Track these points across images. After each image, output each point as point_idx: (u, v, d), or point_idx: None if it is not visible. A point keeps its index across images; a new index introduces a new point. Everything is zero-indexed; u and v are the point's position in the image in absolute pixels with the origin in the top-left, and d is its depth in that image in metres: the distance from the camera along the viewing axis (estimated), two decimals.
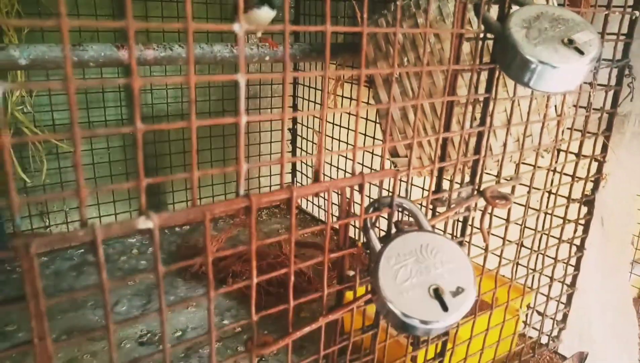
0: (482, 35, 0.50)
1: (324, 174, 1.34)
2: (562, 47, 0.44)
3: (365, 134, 1.12)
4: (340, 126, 1.20)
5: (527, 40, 0.45)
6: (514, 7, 0.50)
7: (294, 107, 1.36)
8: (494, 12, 0.51)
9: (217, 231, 1.22)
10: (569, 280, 0.83)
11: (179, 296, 0.99)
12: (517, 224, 0.70)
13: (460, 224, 0.60)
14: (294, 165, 1.43)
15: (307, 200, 1.41)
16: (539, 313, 0.83)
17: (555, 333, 0.86)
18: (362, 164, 1.18)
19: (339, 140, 1.21)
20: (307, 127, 1.37)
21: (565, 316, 0.85)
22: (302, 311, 0.92)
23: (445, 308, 0.41)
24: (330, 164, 1.28)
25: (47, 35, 1.02)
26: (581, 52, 0.44)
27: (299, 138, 1.40)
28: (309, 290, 1.05)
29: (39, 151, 1.08)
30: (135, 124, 0.31)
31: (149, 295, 1.00)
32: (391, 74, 0.41)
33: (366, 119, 1.11)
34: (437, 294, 0.41)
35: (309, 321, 0.45)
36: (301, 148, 1.40)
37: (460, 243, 0.59)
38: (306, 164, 1.41)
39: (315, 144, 1.35)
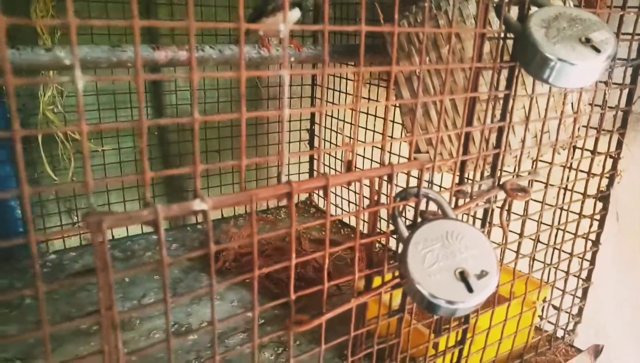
0: (502, 35, 0.53)
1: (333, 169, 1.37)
2: (579, 45, 0.47)
3: (375, 131, 1.15)
4: (357, 126, 1.23)
5: (547, 39, 0.47)
6: (533, 8, 0.53)
7: (312, 114, 1.40)
8: (514, 13, 0.54)
9: (237, 228, 1.25)
10: (584, 275, 0.85)
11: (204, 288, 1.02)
12: (533, 219, 0.73)
13: (480, 218, 0.63)
14: (311, 163, 1.47)
15: (321, 197, 1.44)
16: (554, 307, 0.85)
17: (570, 327, 0.88)
18: (372, 160, 1.21)
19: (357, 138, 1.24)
20: (325, 127, 1.40)
21: (580, 310, 0.88)
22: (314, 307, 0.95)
23: (470, 289, 0.44)
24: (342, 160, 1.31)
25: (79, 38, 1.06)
26: (598, 50, 0.47)
27: (316, 138, 1.44)
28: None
29: (67, 150, 1.12)
30: (194, 114, 0.34)
31: (174, 288, 1.04)
32: (415, 72, 0.44)
33: (379, 117, 1.14)
34: (463, 277, 0.44)
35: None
36: (319, 147, 1.44)
37: None
38: (323, 163, 1.44)
39: (332, 143, 1.39)
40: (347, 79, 1.33)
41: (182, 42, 1.19)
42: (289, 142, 1.42)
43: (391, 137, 1.15)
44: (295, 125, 1.41)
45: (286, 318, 0.47)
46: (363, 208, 0.46)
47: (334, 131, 1.36)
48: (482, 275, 0.44)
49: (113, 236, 1.22)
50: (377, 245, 0.54)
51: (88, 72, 0.96)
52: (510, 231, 0.73)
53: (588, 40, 0.47)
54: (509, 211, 0.64)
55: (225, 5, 1.22)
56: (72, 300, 0.97)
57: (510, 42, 0.54)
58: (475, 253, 0.46)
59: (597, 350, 0.83)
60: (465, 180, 0.60)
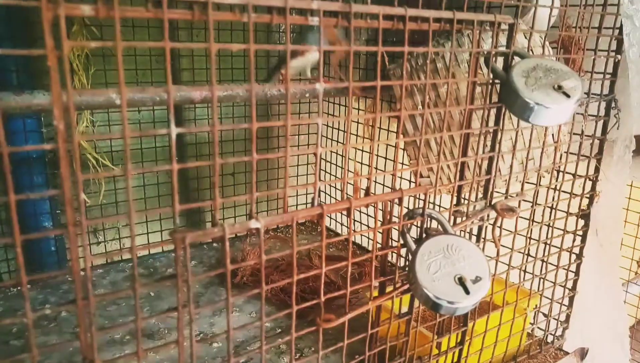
0: (490, 81, 0.64)
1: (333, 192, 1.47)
2: (553, 92, 0.58)
3: (379, 155, 1.26)
4: (362, 151, 1.33)
5: (526, 87, 0.58)
6: (516, 58, 0.64)
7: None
8: (500, 62, 0.65)
9: (252, 246, 1.35)
10: (570, 284, 0.95)
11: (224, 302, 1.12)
12: (522, 235, 0.83)
13: (475, 234, 0.73)
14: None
15: (331, 218, 1.54)
16: (544, 314, 0.95)
17: (559, 332, 0.98)
18: (376, 182, 1.32)
19: (361, 162, 1.35)
20: (332, 151, 1.50)
21: (567, 316, 0.97)
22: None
23: (467, 292, 0.53)
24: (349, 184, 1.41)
25: (109, 73, 1.17)
26: (568, 96, 0.58)
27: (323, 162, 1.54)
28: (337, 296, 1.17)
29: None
30: (252, 126, 0.44)
31: (196, 302, 1.13)
32: (418, 109, 0.54)
33: (386, 143, 1.25)
34: (461, 281, 0.54)
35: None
36: (325, 171, 1.54)
37: None
38: (333, 186, 1.54)
39: (337, 169, 1.49)
40: (358, 109, 1.44)
41: (201, 76, 1.31)
42: (297, 165, 1.52)
43: (401, 163, 1.25)
44: (302, 157, 1.52)
45: (301, 326, 0.57)
46: (379, 225, 0.56)
47: (340, 155, 1.47)
48: (476, 280, 0.54)
49: (137, 255, 1.31)
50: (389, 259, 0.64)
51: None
52: (502, 245, 0.83)
53: (560, 88, 0.58)
54: (500, 227, 0.74)
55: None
56: (104, 313, 1.06)
57: (498, 86, 0.65)
58: (471, 262, 0.56)
59: (582, 353, 0.92)
60: (463, 200, 0.71)
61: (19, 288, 1.14)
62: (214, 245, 1.41)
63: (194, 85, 1.29)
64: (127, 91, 0.40)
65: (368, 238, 1.37)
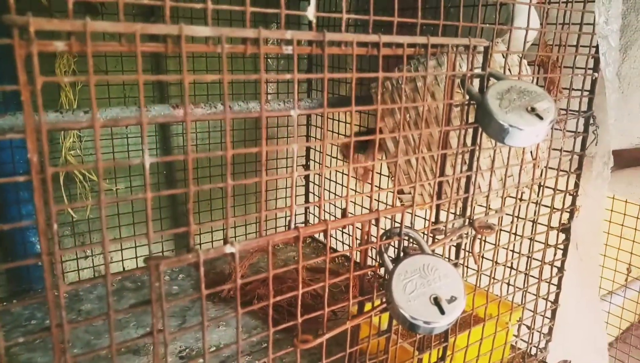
0: (467, 102, 0.65)
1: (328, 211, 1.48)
2: (526, 114, 0.59)
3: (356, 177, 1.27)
4: (349, 185, 1.34)
5: (500, 109, 0.59)
6: (492, 80, 0.65)
7: (307, 149, 1.51)
8: (477, 83, 0.66)
9: (239, 260, 1.35)
10: (552, 297, 0.96)
11: (210, 317, 1.12)
12: (505, 248, 0.84)
13: (454, 249, 0.74)
14: (306, 207, 1.58)
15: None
16: (527, 327, 0.96)
17: (542, 344, 0.99)
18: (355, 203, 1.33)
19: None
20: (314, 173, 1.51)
21: (550, 329, 0.98)
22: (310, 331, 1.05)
23: (442, 312, 0.54)
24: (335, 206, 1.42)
25: (97, 88, 1.17)
26: (541, 118, 0.59)
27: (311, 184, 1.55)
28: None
29: (84, 189, 1.22)
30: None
31: (183, 316, 1.13)
32: (397, 128, 0.56)
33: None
34: (436, 301, 0.55)
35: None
36: (313, 193, 1.55)
37: (455, 265, 0.73)
38: (316, 207, 1.55)
39: (322, 192, 1.50)
40: (345, 122, 1.45)
41: (191, 90, 1.31)
42: (285, 191, 1.53)
43: (385, 175, 1.26)
44: (289, 161, 1.53)
45: (288, 340, 0.58)
46: (356, 246, 0.57)
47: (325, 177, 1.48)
48: (452, 299, 0.55)
49: (124, 268, 1.32)
50: (368, 274, 0.64)
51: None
52: (485, 258, 0.85)
53: (533, 109, 0.59)
54: (482, 242, 0.75)
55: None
56: (90, 329, 1.06)
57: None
58: (447, 281, 0.57)
59: None
60: (441, 219, 0.72)
61: (4, 304, 1.14)
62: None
63: (181, 99, 1.30)
64: (99, 123, 0.41)
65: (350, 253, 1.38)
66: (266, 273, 0.52)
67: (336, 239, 1.49)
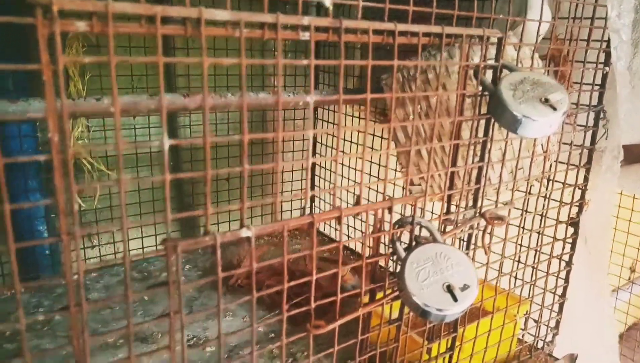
0: (480, 93, 0.65)
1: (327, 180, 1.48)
2: (540, 104, 0.59)
3: (372, 162, 1.27)
4: (362, 172, 1.35)
5: (514, 100, 0.59)
6: (505, 71, 0.65)
7: (314, 142, 1.51)
8: (489, 74, 0.66)
9: (247, 250, 1.35)
10: (559, 291, 0.96)
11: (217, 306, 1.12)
12: (513, 242, 0.84)
13: (465, 241, 0.74)
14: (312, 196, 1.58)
15: (326, 224, 1.55)
16: (534, 320, 0.96)
17: (549, 338, 0.99)
18: (370, 188, 1.33)
19: (355, 168, 1.36)
20: (324, 168, 1.51)
21: (557, 323, 0.98)
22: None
23: (455, 299, 0.55)
24: (348, 191, 1.43)
25: (105, 79, 1.18)
26: (554, 109, 0.59)
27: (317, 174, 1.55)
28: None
29: (92, 179, 1.22)
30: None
31: (190, 306, 1.13)
32: (409, 118, 0.56)
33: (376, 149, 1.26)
34: (449, 289, 0.55)
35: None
36: (319, 186, 1.55)
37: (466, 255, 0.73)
38: (321, 198, 1.55)
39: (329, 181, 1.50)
40: (353, 116, 1.45)
41: (196, 82, 1.32)
42: (292, 181, 1.52)
43: (394, 170, 1.26)
44: (297, 154, 1.53)
45: (296, 332, 0.58)
46: (369, 234, 0.57)
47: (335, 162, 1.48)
48: (464, 287, 0.55)
49: (131, 259, 1.32)
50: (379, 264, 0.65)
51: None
52: (493, 252, 0.84)
53: (547, 100, 0.59)
54: (491, 234, 0.75)
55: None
56: (97, 317, 1.07)
57: (487, 97, 0.66)
58: (459, 270, 0.57)
59: (572, 359, 0.93)
60: (454, 207, 0.72)
61: (12, 292, 1.15)
62: (209, 249, 1.42)
63: (189, 91, 1.30)
64: (120, 104, 0.41)
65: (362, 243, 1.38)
66: (279, 258, 0.52)
67: (348, 227, 1.49)
